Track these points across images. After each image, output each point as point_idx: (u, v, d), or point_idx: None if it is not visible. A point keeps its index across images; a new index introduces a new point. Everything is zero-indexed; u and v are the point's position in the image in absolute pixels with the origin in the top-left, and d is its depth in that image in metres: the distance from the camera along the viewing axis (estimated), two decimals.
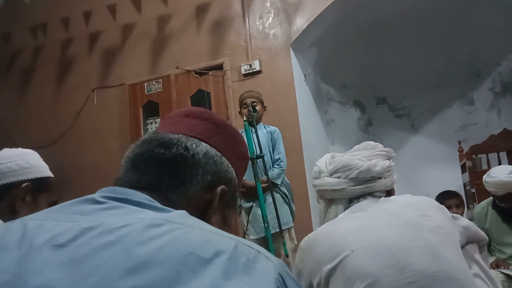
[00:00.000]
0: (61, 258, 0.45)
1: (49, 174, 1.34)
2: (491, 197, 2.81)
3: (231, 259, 0.45)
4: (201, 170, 0.62)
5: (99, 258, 0.44)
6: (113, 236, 0.46)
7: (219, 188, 0.63)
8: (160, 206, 0.55)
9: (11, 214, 1.20)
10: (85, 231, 0.48)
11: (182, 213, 0.54)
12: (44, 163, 1.34)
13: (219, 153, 0.65)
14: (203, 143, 0.65)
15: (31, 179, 1.28)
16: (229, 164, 0.66)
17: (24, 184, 1.26)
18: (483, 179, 2.66)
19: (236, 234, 2.66)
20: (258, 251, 0.48)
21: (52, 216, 0.52)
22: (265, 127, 3.06)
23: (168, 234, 0.46)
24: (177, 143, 0.63)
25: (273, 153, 2.98)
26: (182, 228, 0.48)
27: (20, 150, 1.33)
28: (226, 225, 0.67)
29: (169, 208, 0.56)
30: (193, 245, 0.46)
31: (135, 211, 0.53)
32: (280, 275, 0.47)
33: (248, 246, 0.49)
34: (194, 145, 0.63)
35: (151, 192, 0.58)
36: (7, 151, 1.31)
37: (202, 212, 0.61)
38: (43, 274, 0.43)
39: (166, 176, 0.60)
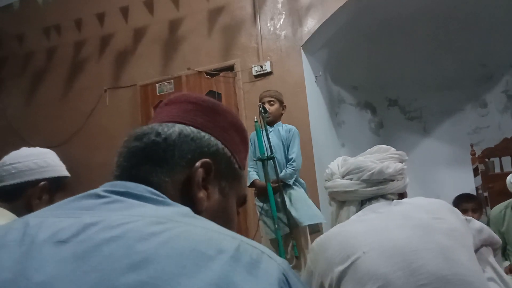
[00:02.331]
0: (63, 254, 0.45)
1: (66, 173, 1.36)
2: (510, 200, 2.76)
3: (234, 257, 0.45)
4: (177, 150, 0.61)
5: (101, 253, 0.44)
6: (115, 231, 0.46)
7: (199, 162, 0.61)
8: (161, 198, 0.55)
9: (27, 212, 1.22)
10: (87, 226, 0.47)
11: (185, 211, 0.54)
12: (61, 163, 1.37)
13: (196, 130, 0.64)
14: (178, 124, 0.64)
15: (48, 178, 1.30)
16: (211, 137, 0.65)
17: (42, 183, 1.28)
18: (507, 181, 2.59)
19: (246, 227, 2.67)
20: (262, 251, 0.47)
21: (54, 213, 0.52)
22: (282, 126, 3.05)
23: (171, 231, 0.46)
24: (149, 132, 0.63)
25: (287, 152, 2.97)
26: (184, 226, 0.48)
27: (38, 149, 1.35)
28: (227, 198, 0.66)
29: (170, 201, 0.56)
30: (195, 242, 0.45)
31: (136, 205, 0.53)
32: (284, 275, 0.46)
33: (252, 245, 0.48)
34: (166, 129, 0.63)
35: (137, 183, 0.58)
36: (25, 150, 1.33)
37: (188, 190, 0.60)
38: (44, 270, 0.43)
39: (143, 165, 0.60)
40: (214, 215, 0.61)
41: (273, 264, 0.46)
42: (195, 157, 0.62)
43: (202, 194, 0.61)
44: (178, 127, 0.64)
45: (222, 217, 0.64)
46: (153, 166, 0.60)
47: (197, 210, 0.58)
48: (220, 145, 0.66)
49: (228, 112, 0.71)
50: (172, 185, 0.60)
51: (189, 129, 0.64)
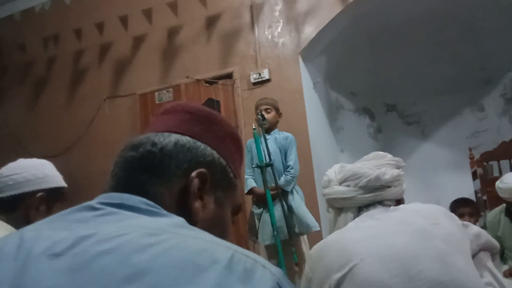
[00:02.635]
0: (59, 267, 0.45)
1: (63, 184, 1.37)
2: (504, 204, 2.78)
3: (228, 267, 0.45)
4: (174, 160, 0.61)
5: (97, 266, 0.44)
6: (110, 244, 0.46)
7: (195, 172, 0.61)
8: (156, 210, 0.55)
9: (25, 223, 1.22)
10: (82, 239, 0.47)
11: (179, 222, 0.54)
12: (58, 173, 1.37)
13: (192, 140, 0.64)
14: (174, 134, 0.64)
15: (46, 189, 1.30)
16: (207, 147, 0.65)
17: (39, 194, 1.29)
18: (496, 186, 2.63)
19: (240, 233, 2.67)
20: (255, 260, 0.48)
21: (49, 226, 0.52)
22: (279, 133, 3.07)
23: (165, 243, 0.46)
24: (145, 142, 0.63)
25: (285, 160, 2.98)
26: (178, 237, 0.48)
27: (35, 160, 1.36)
28: (222, 208, 0.66)
29: (164, 212, 0.56)
30: (189, 253, 0.45)
31: (130, 216, 0.53)
32: (278, 284, 0.46)
33: (245, 255, 0.48)
34: (162, 139, 0.63)
35: (133, 194, 0.58)
36: (22, 161, 1.34)
37: (184, 200, 0.60)
38: (40, 284, 0.43)
39: (140, 175, 0.60)
40: (209, 225, 0.61)
41: (267, 273, 0.47)
42: (191, 167, 0.62)
43: (198, 204, 0.61)
44: (174, 137, 0.64)
45: (217, 227, 0.64)
46: (149, 177, 0.60)
47: (193, 221, 0.58)
48: (216, 155, 0.66)
49: (224, 121, 0.72)
50: (168, 195, 0.60)
51: (185, 139, 0.64)
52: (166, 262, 0.44)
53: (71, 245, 0.47)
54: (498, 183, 2.63)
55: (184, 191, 0.61)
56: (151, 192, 0.59)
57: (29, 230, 0.52)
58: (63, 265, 0.45)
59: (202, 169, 0.62)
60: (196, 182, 0.61)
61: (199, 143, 0.65)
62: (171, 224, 0.52)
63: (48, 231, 0.51)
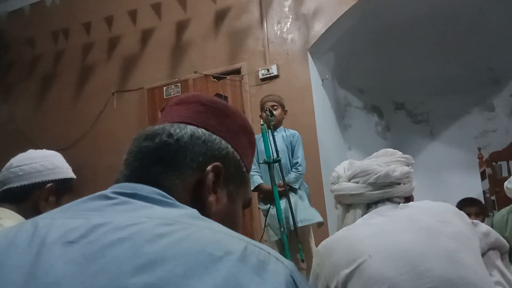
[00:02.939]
0: (72, 254, 0.45)
1: (72, 175, 1.37)
2: (511, 205, 2.76)
3: (241, 259, 0.45)
4: (189, 152, 0.61)
5: (110, 255, 0.44)
6: (123, 233, 0.46)
7: (210, 166, 0.61)
8: (169, 200, 0.55)
9: (34, 214, 1.23)
10: (95, 227, 0.47)
11: (192, 213, 0.54)
12: (67, 165, 1.38)
13: (207, 132, 0.64)
14: (189, 126, 0.64)
15: (55, 180, 1.31)
16: (222, 140, 0.65)
17: (48, 185, 1.29)
18: (505, 186, 2.61)
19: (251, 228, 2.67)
20: (269, 253, 0.48)
21: (63, 214, 0.53)
22: (285, 131, 3.06)
23: (178, 233, 0.46)
24: (161, 132, 0.62)
25: (292, 157, 2.98)
26: (192, 228, 0.48)
27: (45, 151, 1.37)
28: (234, 202, 0.66)
29: (178, 203, 0.56)
30: (203, 244, 0.45)
31: (143, 206, 0.53)
32: (291, 276, 0.46)
33: (259, 247, 0.48)
34: (178, 130, 0.62)
35: (147, 185, 0.58)
36: (32, 152, 1.35)
37: (198, 193, 0.60)
38: (54, 271, 0.43)
39: (154, 166, 0.60)
40: (222, 219, 0.61)
41: (280, 265, 0.47)
42: (206, 160, 0.62)
43: (212, 198, 0.61)
44: (189, 129, 0.63)
45: (229, 221, 0.64)
46: (164, 168, 0.60)
47: (206, 214, 0.57)
48: (230, 149, 0.65)
49: (238, 114, 0.71)
50: (182, 187, 0.59)
51: (200, 131, 0.64)
52: (179, 252, 0.44)
53: (84, 233, 0.47)
54: (506, 184, 2.61)
55: (198, 184, 0.61)
56: (165, 183, 0.59)
57: (43, 218, 0.52)
58: (77, 253, 0.45)
59: (217, 163, 0.62)
60: (211, 176, 0.61)
61: (214, 136, 0.64)
62: (185, 215, 0.52)
63: (62, 219, 0.51)
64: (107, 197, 0.54)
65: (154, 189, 0.56)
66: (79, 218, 0.50)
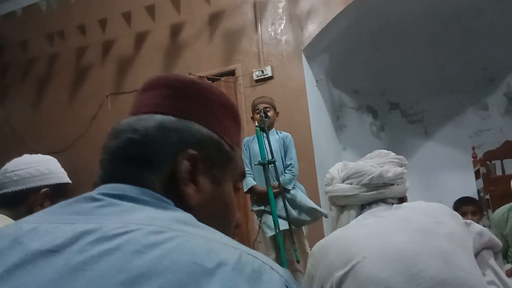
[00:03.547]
0: (55, 265, 0.42)
1: (68, 180, 1.37)
2: None
3: (236, 269, 0.43)
4: (160, 145, 0.56)
5: (96, 267, 0.41)
6: (111, 243, 0.43)
7: (183, 156, 0.57)
8: (159, 201, 0.53)
9: None
10: (81, 235, 0.45)
11: (184, 217, 0.51)
12: (62, 170, 1.37)
13: (176, 119, 0.59)
14: (157, 116, 0.59)
15: (50, 185, 1.30)
16: (195, 124, 0.60)
17: (43, 190, 1.29)
18: None
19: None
20: (263, 262, 0.46)
21: (48, 219, 0.49)
22: (277, 133, 3.07)
23: (169, 243, 0.44)
24: (126, 128, 0.58)
25: (285, 158, 2.98)
26: (183, 236, 0.45)
27: (39, 156, 1.36)
28: (220, 184, 0.61)
29: (168, 204, 0.53)
30: (195, 255, 0.43)
31: (132, 208, 0.50)
32: (286, 286, 0.45)
33: (253, 256, 0.46)
34: (143, 123, 0.58)
35: (120, 185, 0.54)
36: (27, 157, 1.34)
37: (177, 186, 0.56)
38: (36, 283, 0.41)
39: (126, 165, 0.56)
40: (209, 206, 0.59)
41: (275, 275, 0.45)
42: (180, 150, 0.57)
43: (190, 189, 0.57)
44: (156, 119, 0.58)
45: (219, 205, 0.61)
46: (137, 167, 0.56)
47: (187, 207, 0.55)
48: (206, 131, 0.60)
49: (211, 90, 0.65)
50: (160, 184, 0.55)
51: (169, 120, 0.59)
52: (169, 266, 0.41)
53: (69, 241, 0.44)
54: None
55: (174, 176, 0.56)
56: (142, 183, 0.55)
57: (27, 222, 0.49)
58: (60, 264, 0.42)
59: (191, 151, 0.57)
60: (185, 166, 0.57)
61: (185, 122, 0.59)
62: (177, 220, 0.50)
63: (47, 224, 0.48)
64: (94, 199, 0.52)
65: (143, 189, 0.54)
66: (64, 223, 0.47)
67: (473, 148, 4.16)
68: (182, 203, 0.55)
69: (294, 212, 2.77)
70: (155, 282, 0.40)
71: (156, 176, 0.56)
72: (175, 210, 0.53)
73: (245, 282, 0.42)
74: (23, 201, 1.27)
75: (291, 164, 2.94)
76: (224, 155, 0.62)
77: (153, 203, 0.52)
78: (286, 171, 2.93)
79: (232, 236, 0.63)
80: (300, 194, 2.91)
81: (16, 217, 1.24)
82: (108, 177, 0.56)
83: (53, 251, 0.44)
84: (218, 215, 0.61)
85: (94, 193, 0.53)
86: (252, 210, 3.05)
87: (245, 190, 2.99)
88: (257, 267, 0.44)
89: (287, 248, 2.63)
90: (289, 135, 3.05)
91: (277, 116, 3.11)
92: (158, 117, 0.59)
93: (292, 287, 0.45)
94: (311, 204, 2.85)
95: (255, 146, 2.67)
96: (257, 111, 2.98)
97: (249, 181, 2.95)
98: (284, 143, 3.00)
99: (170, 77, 0.64)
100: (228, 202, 0.63)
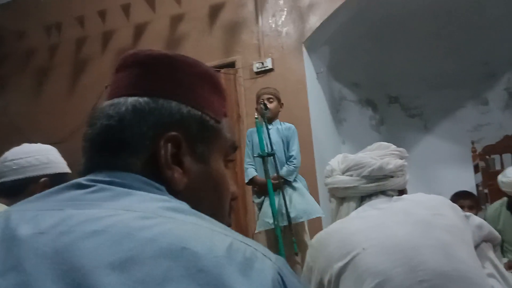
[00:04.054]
0: (43, 247, 0.41)
1: (68, 170, 1.36)
2: (505, 198, 2.78)
3: (226, 257, 0.41)
4: (136, 129, 0.54)
5: (83, 248, 0.40)
6: (99, 224, 0.42)
7: (162, 139, 0.54)
8: (150, 187, 0.51)
9: None
10: (69, 217, 0.44)
11: (176, 205, 0.49)
12: (62, 159, 1.37)
13: (151, 100, 0.55)
14: (130, 98, 0.56)
15: (50, 174, 1.30)
16: (172, 102, 0.56)
17: (43, 179, 1.29)
18: (498, 179, 2.63)
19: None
20: (255, 249, 0.44)
21: (36, 205, 0.49)
22: (280, 124, 3.06)
23: (159, 227, 0.42)
24: (99, 115, 0.56)
25: (287, 150, 2.97)
26: (174, 222, 0.44)
27: (40, 145, 1.36)
28: (209, 161, 0.59)
29: (159, 190, 0.51)
30: (185, 240, 0.41)
31: (123, 193, 0.49)
32: (279, 274, 0.43)
33: (244, 243, 0.44)
34: (117, 108, 0.55)
35: (107, 172, 0.53)
36: (27, 146, 1.34)
37: (158, 170, 0.54)
38: (24, 268, 0.40)
39: (105, 153, 0.54)
40: (199, 186, 0.57)
41: (267, 262, 0.44)
42: (159, 132, 0.54)
43: (175, 173, 0.54)
44: (130, 102, 0.55)
45: (209, 183, 0.59)
46: (117, 154, 0.53)
47: (174, 190, 0.54)
48: (185, 108, 0.57)
49: (187, 62, 0.61)
50: (143, 169, 0.53)
51: (143, 101, 0.55)
52: (159, 250, 0.40)
53: (56, 223, 0.43)
54: (500, 177, 2.63)
55: (155, 160, 0.54)
56: (126, 168, 0.53)
57: (15, 210, 0.49)
58: (48, 246, 0.41)
59: (171, 133, 0.54)
60: (167, 149, 0.54)
61: (161, 101, 0.56)
62: (168, 208, 0.48)
63: (35, 211, 0.47)
64: (83, 186, 0.50)
65: (132, 174, 0.52)
66: (53, 210, 0.46)
67: (473, 143, 4.17)
68: (168, 188, 0.53)
69: (291, 208, 2.75)
70: (143, 267, 0.39)
71: (138, 162, 0.53)
72: (166, 196, 0.51)
73: (236, 269, 0.41)
74: (22, 190, 1.27)
75: (292, 155, 2.92)
76: (208, 130, 0.59)
77: (144, 188, 0.50)
78: (287, 163, 2.91)
79: (229, 209, 0.63)
80: (302, 191, 2.89)
81: None
82: (91, 165, 0.55)
83: (40, 233, 0.43)
84: (209, 193, 0.59)
85: (81, 179, 0.52)
86: (254, 202, 3.05)
87: (246, 181, 2.99)
88: (249, 254, 0.43)
89: (286, 242, 2.64)
90: (293, 126, 3.04)
91: (281, 107, 3.10)
92: (132, 99, 0.56)
93: (285, 275, 0.44)
94: (306, 206, 2.83)
95: (257, 138, 2.66)
96: (261, 101, 2.98)
97: (250, 172, 2.94)
98: (287, 135, 2.99)
99: (140, 53, 0.60)
100: (218, 178, 0.60)
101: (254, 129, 2.96)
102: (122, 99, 0.56)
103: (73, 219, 0.44)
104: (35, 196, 0.52)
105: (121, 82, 0.59)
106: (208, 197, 0.59)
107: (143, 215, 0.44)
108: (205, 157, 0.58)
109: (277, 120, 3.07)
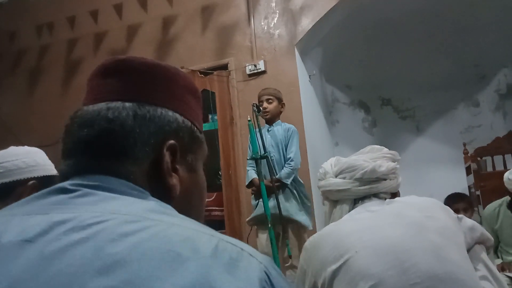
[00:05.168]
0: (29, 255, 0.41)
1: (55, 172, 1.35)
2: (504, 198, 2.77)
3: (212, 257, 0.42)
4: (138, 136, 0.54)
5: (70, 256, 0.40)
6: (85, 232, 0.42)
7: (165, 147, 0.55)
8: (135, 191, 0.51)
9: None
10: (55, 224, 0.44)
11: (160, 207, 0.50)
12: (50, 162, 1.35)
13: (151, 107, 0.56)
14: (128, 103, 0.56)
15: (37, 177, 1.28)
16: (169, 111, 0.57)
17: (31, 182, 1.27)
18: (505, 177, 2.56)
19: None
20: (242, 249, 0.45)
21: (21, 210, 0.48)
22: (281, 125, 3.03)
23: (144, 231, 0.43)
24: (98, 117, 0.55)
25: (286, 151, 2.94)
26: (160, 225, 0.44)
27: (26, 148, 1.34)
28: (196, 170, 0.61)
29: (144, 193, 0.52)
30: (171, 242, 0.42)
31: (108, 198, 0.49)
32: (266, 273, 0.43)
33: (231, 243, 0.45)
34: (117, 113, 0.55)
35: (92, 176, 0.52)
36: (13, 149, 1.32)
37: (157, 176, 0.55)
38: (9, 274, 0.40)
39: (102, 156, 0.53)
40: (189, 194, 0.58)
41: (253, 262, 0.44)
42: (158, 140, 0.55)
43: (174, 180, 0.56)
44: (130, 108, 0.55)
45: (195, 191, 0.61)
46: (115, 157, 0.53)
47: (170, 197, 0.55)
48: (180, 118, 0.59)
49: (178, 75, 0.63)
50: (140, 175, 0.54)
51: (144, 109, 0.56)
52: (145, 253, 0.40)
53: (43, 231, 0.43)
54: (507, 174, 2.54)
55: (155, 167, 0.55)
56: (121, 173, 0.53)
57: (0, 215, 0.48)
58: (34, 253, 0.41)
59: (171, 142, 0.56)
60: (167, 157, 0.55)
61: (159, 110, 0.57)
62: (152, 210, 0.48)
63: (21, 216, 0.47)
64: (68, 190, 0.50)
65: (119, 179, 0.52)
66: (38, 214, 0.46)
67: (464, 144, 4.19)
68: (164, 194, 0.54)
69: (284, 209, 2.74)
70: (129, 269, 0.39)
71: (136, 167, 0.54)
72: (151, 200, 0.52)
73: (222, 269, 0.41)
74: (10, 193, 1.25)
75: (290, 157, 2.88)
76: (196, 140, 0.62)
77: (129, 193, 0.51)
78: (285, 165, 2.87)
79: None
80: (292, 203, 2.85)
81: None
82: (80, 168, 0.54)
83: (26, 241, 0.43)
84: (196, 200, 0.62)
85: (66, 184, 0.51)
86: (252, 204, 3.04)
87: (246, 183, 2.98)
88: (235, 254, 0.44)
89: (279, 245, 2.63)
90: (292, 127, 3.00)
91: (282, 107, 3.08)
92: (131, 105, 0.56)
93: (271, 274, 0.44)
94: (296, 216, 2.81)
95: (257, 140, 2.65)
96: (261, 102, 2.96)
97: (250, 174, 2.92)
98: (286, 136, 2.96)
99: (134, 60, 0.61)
100: (201, 184, 0.63)
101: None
102: (118, 104, 0.56)
103: (60, 226, 0.44)
104: (20, 201, 0.51)
105: (115, 86, 0.59)
106: (195, 203, 0.61)
107: (129, 219, 0.45)
108: (193, 166, 0.61)
109: (279, 120, 3.04)
